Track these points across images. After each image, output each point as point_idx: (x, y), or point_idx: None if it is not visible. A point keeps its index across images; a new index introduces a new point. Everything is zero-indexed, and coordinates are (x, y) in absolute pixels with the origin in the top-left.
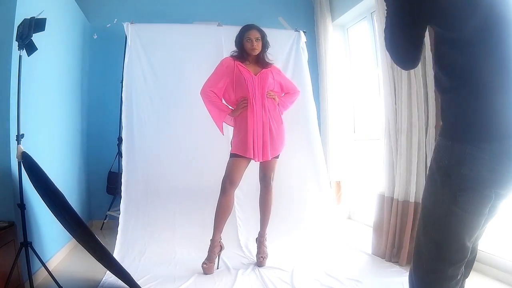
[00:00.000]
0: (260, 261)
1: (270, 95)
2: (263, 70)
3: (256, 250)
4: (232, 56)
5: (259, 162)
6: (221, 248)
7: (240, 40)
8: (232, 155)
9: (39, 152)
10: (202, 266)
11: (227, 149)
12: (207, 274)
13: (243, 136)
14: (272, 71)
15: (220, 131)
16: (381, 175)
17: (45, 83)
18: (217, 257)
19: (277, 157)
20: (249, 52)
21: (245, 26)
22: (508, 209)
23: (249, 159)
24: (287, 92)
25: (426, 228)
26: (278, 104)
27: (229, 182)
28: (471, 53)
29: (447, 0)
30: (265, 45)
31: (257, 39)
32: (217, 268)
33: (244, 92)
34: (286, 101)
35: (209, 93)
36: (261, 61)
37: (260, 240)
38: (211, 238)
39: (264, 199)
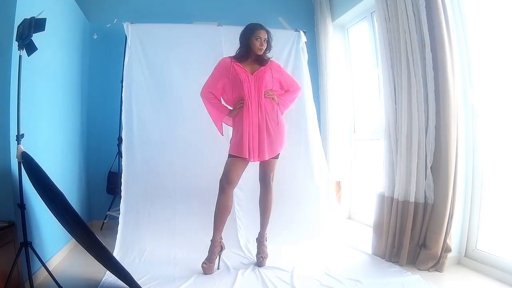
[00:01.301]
0: (260, 261)
1: (268, 95)
2: (261, 68)
3: (255, 250)
4: (232, 56)
5: (258, 162)
6: (222, 248)
7: (248, 37)
8: (230, 155)
9: (39, 152)
10: (202, 266)
11: (227, 149)
12: (206, 274)
13: (240, 136)
14: (272, 68)
15: (219, 131)
16: (381, 175)
17: (45, 83)
18: (218, 257)
19: (276, 157)
20: (255, 51)
21: (255, 24)
22: (508, 209)
23: (246, 159)
24: (287, 89)
25: None
26: (278, 104)
27: (226, 182)
28: None
29: None
30: (268, 48)
31: (265, 40)
32: (218, 268)
33: (241, 92)
34: (286, 100)
35: (208, 95)
36: (260, 59)
37: (260, 240)
38: (211, 238)
39: (264, 199)
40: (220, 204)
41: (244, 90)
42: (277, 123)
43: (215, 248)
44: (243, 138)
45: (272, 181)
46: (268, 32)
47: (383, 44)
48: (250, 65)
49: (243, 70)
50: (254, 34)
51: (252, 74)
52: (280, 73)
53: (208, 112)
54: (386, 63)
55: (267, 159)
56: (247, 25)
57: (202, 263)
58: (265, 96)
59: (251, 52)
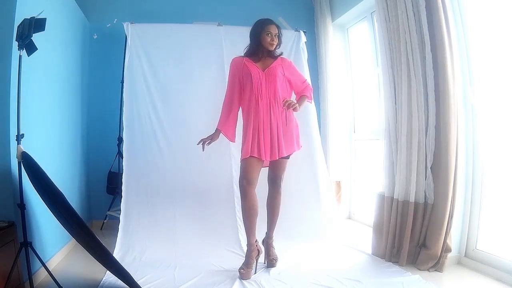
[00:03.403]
0: (272, 263)
1: (291, 106)
2: (272, 64)
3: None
4: (243, 54)
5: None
6: (259, 252)
7: (259, 33)
8: (243, 157)
9: (39, 152)
10: (239, 271)
11: (228, 149)
12: (244, 279)
13: (250, 135)
14: (283, 65)
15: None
16: (381, 175)
17: (45, 83)
18: (255, 261)
19: (287, 157)
20: (267, 46)
21: (264, 19)
22: (508, 209)
23: (260, 158)
24: (297, 90)
25: None
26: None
27: (246, 182)
28: None
29: None
30: (279, 43)
31: (276, 35)
32: (255, 273)
33: (251, 89)
34: (303, 105)
35: (230, 105)
36: (271, 54)
37: (269, 242)
38: (246, 243)
39: (273, 200)
40: (246, 207)
41: (254, 87)
42: (285, 123)
43: (252, 252)
44: (254, 136)
45: (282, 182)
46: (278, 27)
47: (383, 44)
48: (261, 61)
49: (254, 66)
50: (264, 29)
51: (263, 70)
52: (292, 73)
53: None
54: (386, 63)
55: (277, 158)
56: (257, 21)
57: (240, 268)
58: (287, 108)
59: (262, 48)
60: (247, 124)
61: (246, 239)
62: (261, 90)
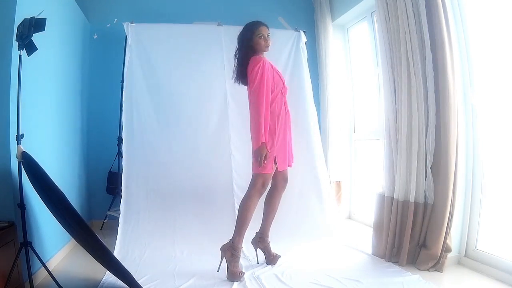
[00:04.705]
0: (276, 260)
1: None
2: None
3: (253, 250)
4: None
5: None
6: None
7: (252, 37)
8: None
9: (39, 152)
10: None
11: (227, 149)
12: (241, 277)
13: (285, 148)
14: None
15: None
16: (381, 175)
17: (45, 83)
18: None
19: None
20: (263, 49)
21: (253, 22)
22: (508, 209)
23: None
24: None
25: None
26: None
27: (264, 190)
28: None
29: None
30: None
31: (268, 35)
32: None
33: (280, 95)
34: None
35: (268, 109)
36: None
37: (267, 240)
38: (231, 244)
39: (278, 197)
40: (253, 206)
41: (281, 92)
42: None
43: (239, 255)
44: (284, 148)
45: None
46: (268, 28)
47: (383, 44)
48: None
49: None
50: (256, 32)
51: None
52: None
53: (256, 123)
54: (386, 63)
55: (291, 166)
56: (246, 25)
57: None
58: None
59: (258, 52)
60: (278, 135)
61: (244, 239)
62: (284, 97)
